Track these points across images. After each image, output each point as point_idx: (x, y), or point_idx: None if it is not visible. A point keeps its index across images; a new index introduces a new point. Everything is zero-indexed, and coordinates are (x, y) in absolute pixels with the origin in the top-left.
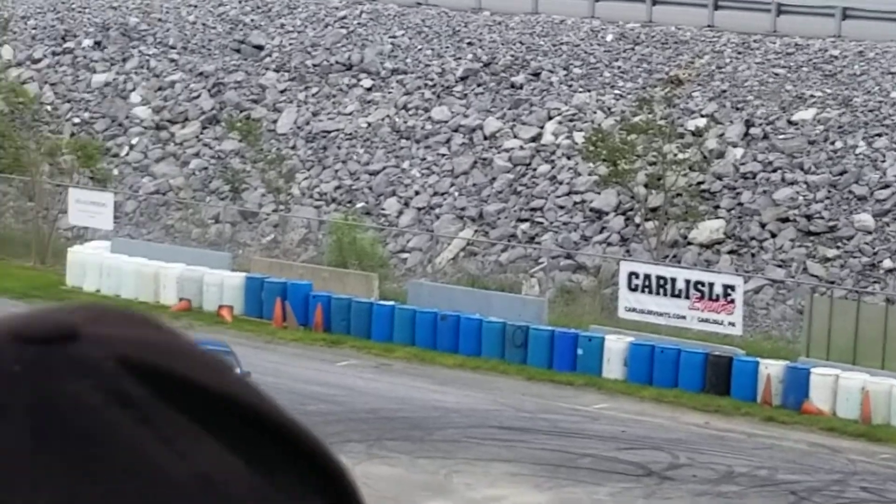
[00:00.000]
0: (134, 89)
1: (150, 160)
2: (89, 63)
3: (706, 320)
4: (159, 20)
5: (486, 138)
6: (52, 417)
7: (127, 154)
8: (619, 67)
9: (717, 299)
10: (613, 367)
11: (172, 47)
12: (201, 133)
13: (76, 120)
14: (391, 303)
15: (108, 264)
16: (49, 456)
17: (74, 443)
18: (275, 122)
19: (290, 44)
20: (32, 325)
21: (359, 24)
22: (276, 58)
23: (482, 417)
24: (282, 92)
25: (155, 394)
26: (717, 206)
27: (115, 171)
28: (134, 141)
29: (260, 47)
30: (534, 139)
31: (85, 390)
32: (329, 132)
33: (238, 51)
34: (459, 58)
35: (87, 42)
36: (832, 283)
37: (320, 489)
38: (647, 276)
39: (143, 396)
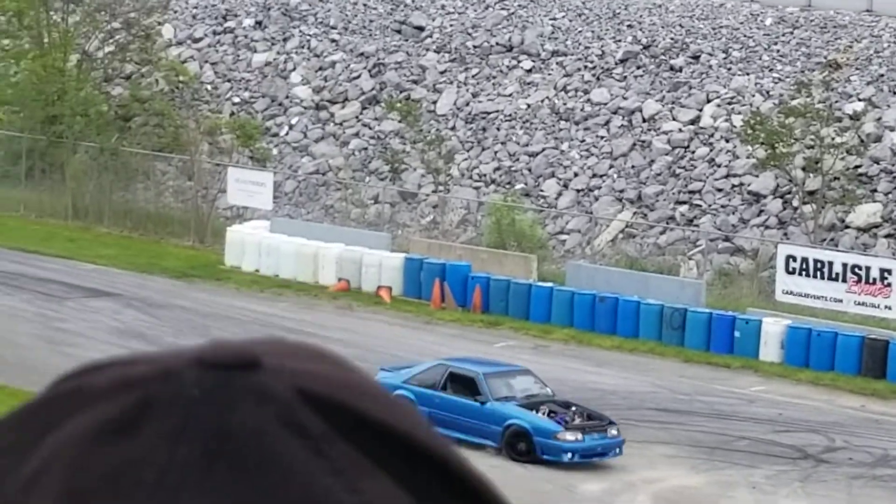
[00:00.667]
0: (294, 69)
1: (309, 140)
2: (250, 42)
3: (863, 304)
4: (321, 0)
5: (644, 121)
6: (227, 442)
7: (286, 134)
8: (778, 51)
9: (874, 283)
10: (770, 350)
11: (333, 27)
12: (361, 113)
13: (236, 99)
14: (549, 284)
15: (266, 244)
16: (222, 480)
17: (248, 469)
18: (434, 102)
19: (451, 25)
20: (215, 352)
21: (519, 5)
22: (437, 39)
23: (639, 399)
24: (442, 73)
25: (331, 427)
26: (875, 190)
27: (275, 151)
28: (294, 121)
29: (421, 28)
30: (692, 122)
31: (262, 418)
32: (488, 113)
33: (399, 31)
34: (619, 40)
35: (248, 21)
36: None
37: None
38: (805, 260)
39: (320, 429)
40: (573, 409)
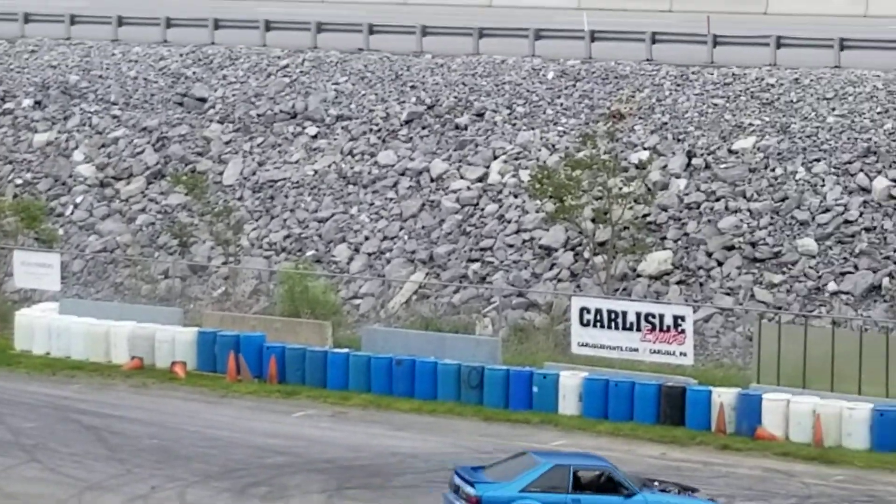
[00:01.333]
0: (76, 147)
1: (95, 218)
2: (30, 123)
3: (658, 352)
4: (100, 77)
5: (432, 180)
6: None
7: (72, 213)
8: (562, 104)
9: (667, 330)
10: (569, 403)
11: (114, 103)
12: (147, 188)
13: (18, 181)
14: (345, 350)
15: (56, 326)
16: None
17: None
18: (221, 173)
19: (234, 94)
20: None
21: (301, 72)
22: (220, 109)
23: (441, 461)
24: (226, 143)
25: None
26: (664, 238)
27: (61, 231)
28: (78, 199)
29: (203, 100)
30: (480, 179)
31: None
32: (276, 181)
33: (181, 104)
34: (403, 101)
35: (27, 102)
36: (779, 308)
37: None
38: (599, 311)
39: None
40: (668, 484)
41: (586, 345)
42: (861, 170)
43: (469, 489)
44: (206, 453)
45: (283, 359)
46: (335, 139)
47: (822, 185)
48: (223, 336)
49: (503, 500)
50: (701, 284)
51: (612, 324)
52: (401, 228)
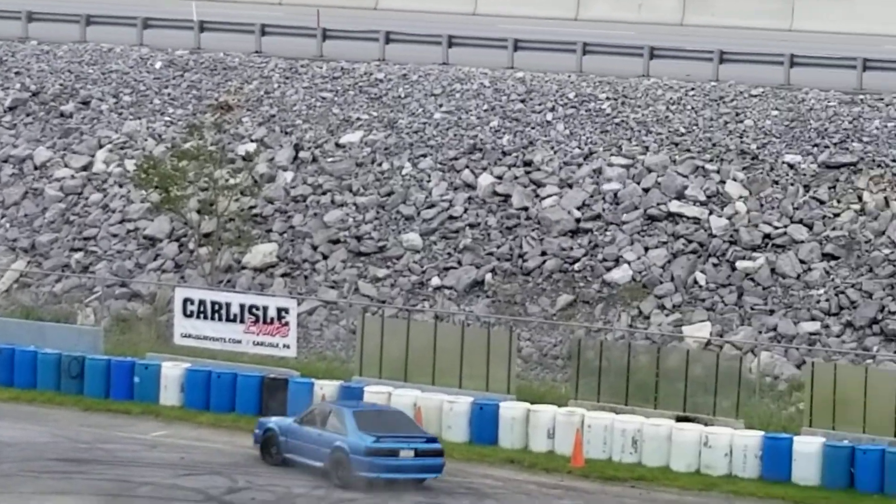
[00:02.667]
0: None
1: None
2: None
3: (262, 343)
4: None
5: (36, 168)
6: None
7: None
8: (169, 94)
9: (271, 322)
10: (170, 394)
11: None
12: None
13: None
14: None
15: None
16: None
17: None
18: None
19: None
20: None
21: None
22: None
23: (39, 450)
24: None
25: None
26: (270, 230)
27: None
28: None
29: None
30: (85, 168)
31: None
32: None
33: None
34: (7, 87)
35: None
36: (383, 302)
37: None
38: (203, 302)
39: None
40: None
41: (189, 336)
42: (467, 166)
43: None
44: None
45: None
46: None
47: (428, 181)
48: None
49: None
50: (306, 277)
51: (216, 315)
52: (2, 216)
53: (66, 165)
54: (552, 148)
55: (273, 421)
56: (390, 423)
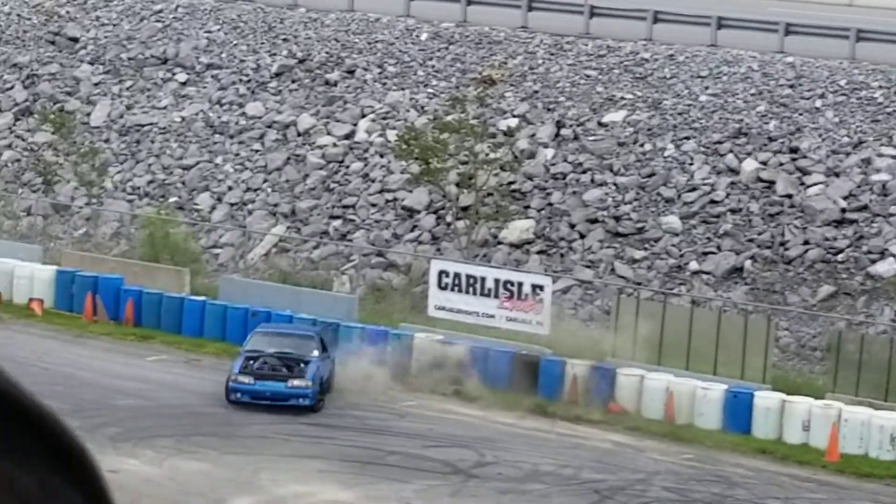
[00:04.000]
0: None
1: None
2: None
3: (515, 319)
4: None
5: (299, 135)
6: None
7: None
8: (433, 66)
9: (525, 299)
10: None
11: None
12: (14, 125)
13: None
14: (202, 298)
15: None
16: None
17: None
18: (88, 114)
19: (106, 36)
20: None
21: (174, 18)
22: (91, 50)
23: (290, 414)
24: (96, 85)
25: None
26: (528, 207)
27: None
28: None
29: (75, 39)
30: (347, 136)
31: None
32: (143, 126)
33: (53, 42)
34: (274, 54)
35: None
36: (639, 284)
37: (59, 469)
38: (457, 275)
39: None
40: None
41: (443, 308)
42: (731, 150)
43: None
44: (59, 391)
45: (139, 302)
46: (204, 87)
47: (691, 164)
48: (82, 276)
49: None
50: (562, 255)
51: (471, 289)
52: (265, 181)
53: (328, 133)
54: (820, 135)
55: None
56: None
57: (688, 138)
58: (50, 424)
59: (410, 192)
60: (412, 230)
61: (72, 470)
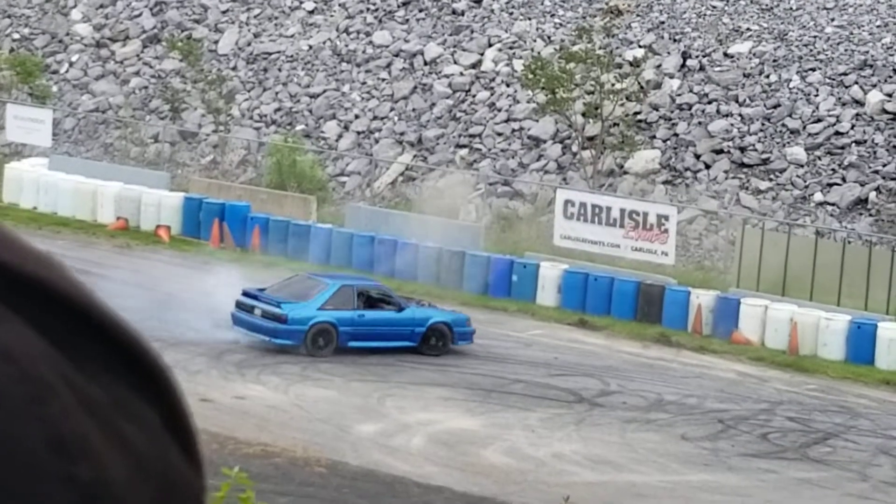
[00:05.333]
0: (75, 6)
1: (89, 78)
2: None
3: (640, 249)
4: None
5: (426, 64)
6: None
7: (67, 71)
8: None
9: (650, 229)
10: (548, 294)
11: None
12: (142, 52)
13: (16, 35)
14: (329, 226)
15: (45, 181)
16: None
17: None
18: (216, 42)
19: None
20: None
21: None
22: None
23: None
24: (223, 12)
25: None
26: (654, 137)
27: (55, 88)
28: (74, 58)
29: None
30: (474, 66)
31: None
32: (270, 54)
33: None
34: None
35: None
36: (764, 214)
37: (134, 384)
38: (583, 205)
39: None
40: (426, 302)
41: (569, 238)
42: (856, 82)
43: (275, 309)
44: (185, 318)
45: (266, 230)
46: (332, 16)
47: (816, 95)
48: (209, 203)
49: (305, 317)
50: (687, 186)
51: (596, 218)
52: (391, 109)
53: (455, 62)
54: None
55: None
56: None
57: (813, 69)
58: (127, 339)
59: (536, 121)
60: (538, 159)
61: (149, 387)
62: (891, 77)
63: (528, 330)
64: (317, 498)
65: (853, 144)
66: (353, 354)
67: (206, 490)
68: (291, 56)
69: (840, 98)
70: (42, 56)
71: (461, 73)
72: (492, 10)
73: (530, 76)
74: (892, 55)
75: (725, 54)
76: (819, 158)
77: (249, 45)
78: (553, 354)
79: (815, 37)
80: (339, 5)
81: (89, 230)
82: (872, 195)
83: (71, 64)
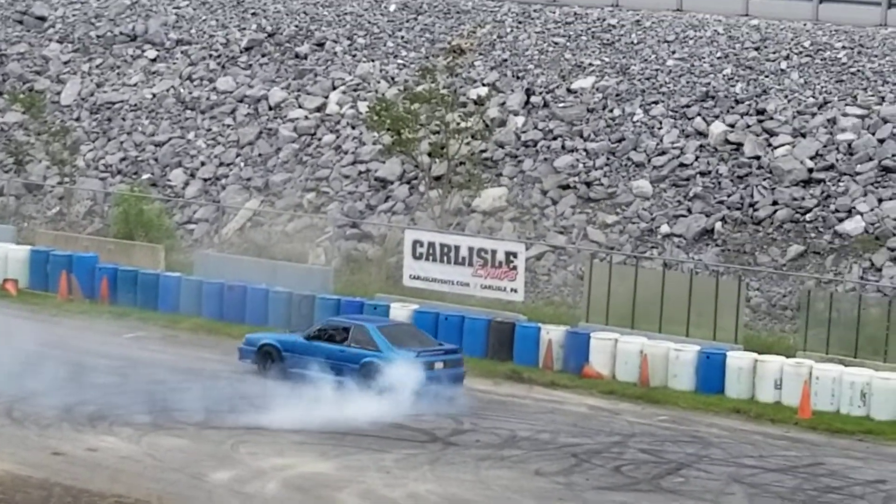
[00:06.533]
0: None
1: None
2: None
3: (489, 287)
4: None
5: (271, 108)
6: None
7: None
8: (403, 37)
9: (499, 266)
10: None
11: None
12: None
13: None
14: (177, 274)
15: None
16: None
17: None
18: (59, 93)
19: (74, 14)
20: None
21: None
22: (60, 29)
23: (269, 386)
24: (65, 63)
25: None
26: (500, 174)
27: None
28: None
29: (43, 18)
30: (318, 109)
31: None
32: (114, 103)
33: (20, 22)
34: (244, 28)
35: None
36: (612, 248)
37: None
38: (432, 244)
39: None
40: None
41: (418, 277)
42: (699, 114)
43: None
44: (35, 371)
45: (115, 280)
46: (174, 63)
47: (660, 128)
48: (56, 255)
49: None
50: (535, 222)
51: (445, 258)
52: (237, 155)
53: (300, 106)
54: (786, 97)
55: (269, 337)
56: (412, 336)
57: (656, 103)
58: None
59: (383, 162)
60: (386, 201)
61: None
62: (732, 108)
63: None
64: None
65: (698, 176)
66: (207, 401)
67: None
68: (135, 105)
69: (683, 130)
70: None
71: (306, 117)
72: (335, 53)
73: (375, 118)
74: (732, 86)
75: (569, 90)
76: (665, 191)
77: (92, 94)
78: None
79: (657, 70)
80: (182, 52)
81: None
82: (718, 225)
83: None
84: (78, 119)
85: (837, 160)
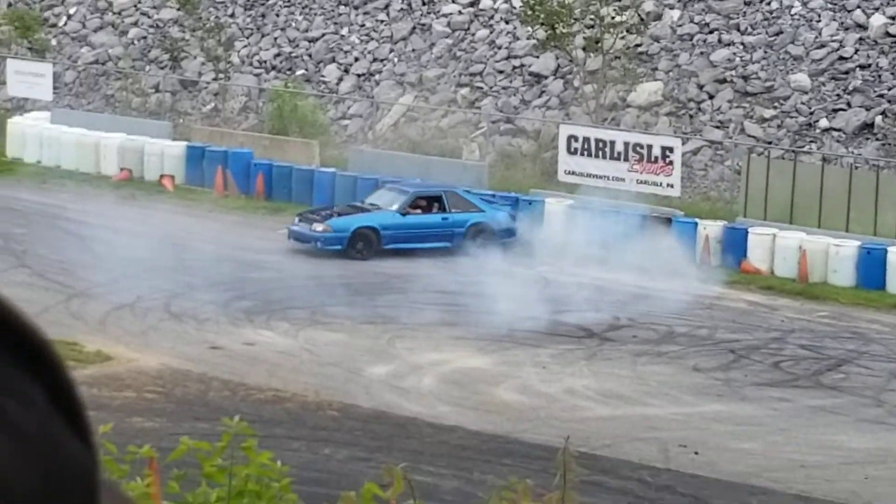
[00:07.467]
0: None
1: (88, 30)
2: None
3: (645, 182)
4: None
5: (424, 3)
6: None
7: (65, 24)
8: None
9: (655, 161)
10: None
11: None
12: (139, 2)
13: None
14: (332, 169)
15: (48, 135)
16: None
17: None
18: None
19: None
20: None
21: None
22: None
23: (425, 283)
24: None
25: None
26: (655, 69)
27: (54, 42)
28: (72, 10)
29: None
30: (472, 3)
31: None
32: None
33: None
34: None
35: None
36: (769, 143)
37: (16, 360)
38: (587, 139)
39: None
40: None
41: (573, 173)
42: (858, 6)
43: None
44: (191, 266)
45: (270, 176)
46: None
47: (818, 21)
48: (211, 151)
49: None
50: (691, 117)
51: (600, 153)
52: (391, 51)
53: (453, 1)
54: None
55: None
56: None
57: None
58: (5, 314)
59: (537, 57)
60: (540, 96)
61: (32, 363)
62: (893, 0)
63: (536, 266)
64: (330, 441)
65: (857, 69)
66: (363, 296)
67: (98, 467)
68: (289, 1)
69: (843, 23)
70: (40, 10)
71: (459, 12)
72: None
73: (529, 12)
74: None
75: None
76: (823, 84)
77: None
78: (565, 292)
79: None
80: None
81: (93, 182)
82: (878, 119)
83: (69, 17)
84: (232, 15)
85: None
